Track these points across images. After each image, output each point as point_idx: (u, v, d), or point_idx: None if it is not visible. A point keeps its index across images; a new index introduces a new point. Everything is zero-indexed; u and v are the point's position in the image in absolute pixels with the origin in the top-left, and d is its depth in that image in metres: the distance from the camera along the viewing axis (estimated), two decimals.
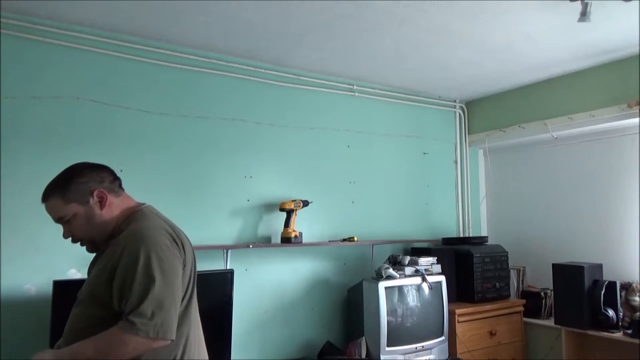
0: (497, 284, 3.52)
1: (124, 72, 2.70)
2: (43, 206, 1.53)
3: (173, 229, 1.56)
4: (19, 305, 2.33)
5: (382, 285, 2.94)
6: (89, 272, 1.58)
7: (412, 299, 3.10)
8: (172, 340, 1.39)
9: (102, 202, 1.53)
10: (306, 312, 3.21)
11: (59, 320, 1.89)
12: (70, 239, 1.56)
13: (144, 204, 1.63)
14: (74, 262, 2.45)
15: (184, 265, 1.52)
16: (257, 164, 3.10)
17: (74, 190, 1.51)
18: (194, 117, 2.90)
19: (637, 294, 3.13)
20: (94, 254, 1.61)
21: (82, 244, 1.58)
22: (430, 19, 2.54)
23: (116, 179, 1.60)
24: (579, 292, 3.10)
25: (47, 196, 1.53)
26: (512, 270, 3.76)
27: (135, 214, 1.55)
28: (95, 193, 1.52)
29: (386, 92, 3.72)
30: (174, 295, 1.42)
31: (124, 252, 1.41)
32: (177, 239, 1.53)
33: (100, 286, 1.42)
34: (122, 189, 1.62)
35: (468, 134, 4.18)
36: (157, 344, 1.36)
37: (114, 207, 1.55)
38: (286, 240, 2.99)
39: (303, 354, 3.14)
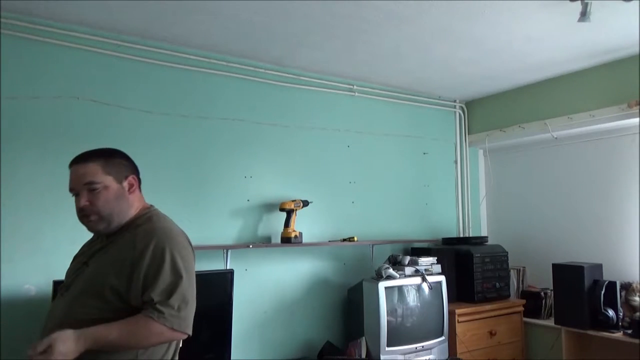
0: (497, 284, 3.52)
1: (124, 72, 2.70)
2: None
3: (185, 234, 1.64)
4: (19, 305, 2.33)
5: (382, 285, 2.94)
6: (81, 262, 1.57)
7: (412, 299, 3.09)
8: (189, 335, 1.46)
9: (130, 189, 1.60)
10: (306, 312, 3.21)
11: None
12: (82, 210, 1.51)
13: (152, 205, 1.69)
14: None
15: None
16: (257, 164, 3.10)
17: (115, 165, 1.57)
18: (194, 117, 2.90)
19: (637, 294, 3.13)
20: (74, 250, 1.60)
21: (90, 220, 1.52)
22: (430, 19, 2.54)
23: (139, 178, 1.69)
24: (579, 292, 3.10)
25: (86, 159, 1.54)
26: (512, 270, 3.76)
27: (151, 213, 1.62)
28: (129, 178, 1.60)
29: (386, 92, 3.72)
30: (194, 293, 1.50)
31: (147, 248, 1.46)
32: (190, 243, 1.60)
33: (118, 278, 1.45)
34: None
35: (468, 134, 4.18)
36: (177, 336, 1.43)
37: (136, 199, 1.62)
38: (286, 240, 2.99)
39: (303, 354, 3.14)
